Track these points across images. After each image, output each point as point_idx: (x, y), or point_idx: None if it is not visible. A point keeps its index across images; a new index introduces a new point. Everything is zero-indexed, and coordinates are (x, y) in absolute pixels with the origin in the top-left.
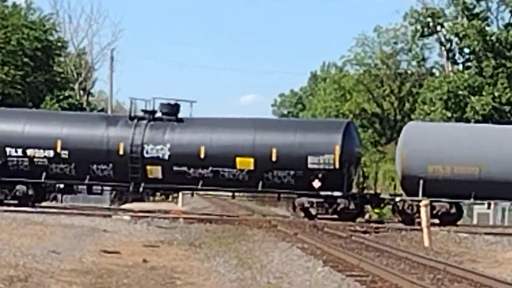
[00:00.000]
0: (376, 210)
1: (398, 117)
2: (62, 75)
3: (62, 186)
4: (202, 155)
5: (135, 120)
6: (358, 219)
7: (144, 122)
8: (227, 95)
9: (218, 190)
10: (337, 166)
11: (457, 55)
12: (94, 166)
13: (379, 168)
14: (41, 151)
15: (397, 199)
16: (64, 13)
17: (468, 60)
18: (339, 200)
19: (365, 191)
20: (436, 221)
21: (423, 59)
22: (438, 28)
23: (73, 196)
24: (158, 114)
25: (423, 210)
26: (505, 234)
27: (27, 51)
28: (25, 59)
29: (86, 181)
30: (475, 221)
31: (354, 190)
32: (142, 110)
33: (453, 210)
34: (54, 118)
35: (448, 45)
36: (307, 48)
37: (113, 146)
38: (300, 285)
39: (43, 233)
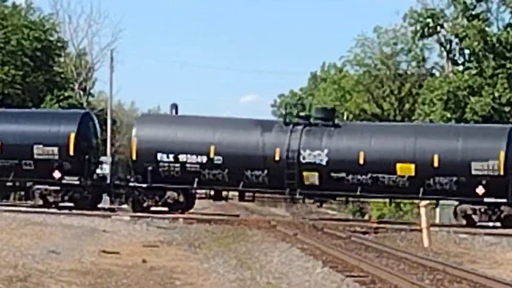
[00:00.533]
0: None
1: (398, 117)
2: (62, 75)
3: (212, 192)
4: (361, 161)
5: (290, 126)
6: None
7: (300, 127)
8: (227, 95)
9: (377, 197)
10: (501, 172)
11: (457, 56)
12: (248, 172)
13: None
14: (194, 156)
15: None
16: (64, 13)
17: (468, 60)
18: (502, 207)
19: None
20: None
21: (423, 60)
22: (438, 28)
23: None
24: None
25: (422, 211)
26: (505, 235)
27: (27, 51)
28: (25, 59)
29: (240, 187)
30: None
31: None
32: (297, 116)
33: None
34: (207, 123)
35: (448, 46)
36: (307, 48)
37: (268, 152)
38: (299, 285)
39: (43, 233)
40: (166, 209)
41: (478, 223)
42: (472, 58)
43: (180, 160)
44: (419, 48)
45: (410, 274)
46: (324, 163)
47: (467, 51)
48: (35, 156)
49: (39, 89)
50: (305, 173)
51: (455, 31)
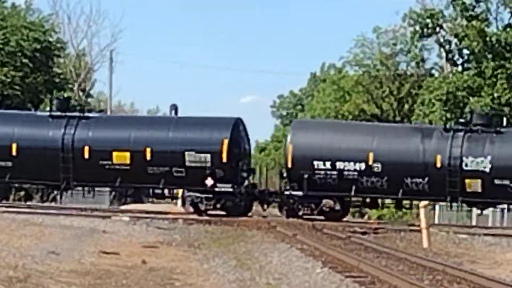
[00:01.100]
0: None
1: (398, 118)
2: (62, 76)
3: (368, 200)
4: None
5: (451, 132)
6: None
7: (461, 134)
8: (227, 96)
9: None
10: None
11: (456, 56)
12: (408, 180)
13: None
14: (351, 163)
15: None
16: (64, 14)
17: (467, 61)
18: None
19: None
20: None
21: (422, 60)
22: (437, 29)
23: (71, 197)
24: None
25: (422, 211)
26: (504, 235)
27: (26, 52)
28: (24, 60)
29: (399, 195)
30: (474, 222)
31: None
32: (457, 122)
33: None
34: (364, 129)
35: (447, 46)
36: (307, 48)
37: (429, 159)
38: (299, 286)
39: (42, 234)
40: (322, 217)
41: None
42: (471, 59)
43: (337, 167)
44: (418, 48)
45: (410, 274)
46: (487, 170)
47: (466, 52)
48: (187, 163)
49: (39, 90)
50: (467, 181)
51: (454, 31)
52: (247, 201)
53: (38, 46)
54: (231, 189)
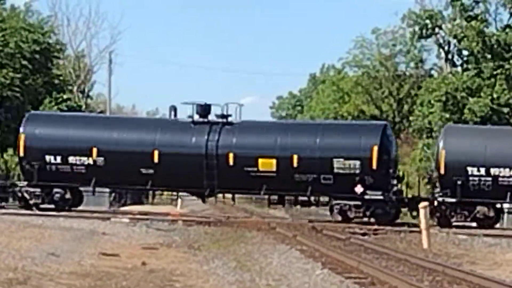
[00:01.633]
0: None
1: (397, 119)
2: (61, 78)
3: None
4: None
5: None
6: None
7: None
8: (227, 97)
9: None
10: None
11: (456, 57)
12: None
13: None
14: (507, 170)
15: None
16: (63, 15)
17: (466, 61)
18: None
19: None
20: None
21: (422, 61)
22: (437, 30)
23: None
24: None
25: (422, 212)
26: (504, 236)
27: (25, 53)
28: (24, 62)
29: None
30: (473, 223)
31: None
32: None
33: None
34: None
35: (446, 47)
36: (306, 50)
37: None
38: (299, 287)
39: (42, 236)
40: (474, 224)
41: None
42: (470, 59)
43: (492, 173)
44: (417, 49)
45: (410, 275)
46: None
47: (465, 52)
48: (335, 170)
49: (38, 91)
50: None
51: (453, 32)
52: (396, 208)
53: (38, 48)
54: (381, 197)
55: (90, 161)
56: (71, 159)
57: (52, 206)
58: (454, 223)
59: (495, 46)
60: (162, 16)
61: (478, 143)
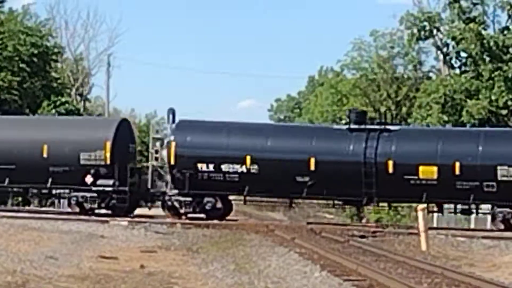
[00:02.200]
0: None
1: (395, 121)
2: (59, 81)
3: None
4: None
5: None
6: None
7: None
8: (225, 100)
9: None
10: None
11: (454, 59)
12: None
13: None
14: None
15: None
16: (61, 18)
17: (464, 64)
18: None
19: None
20: None
21: (420, 63)
22: (435, 32)
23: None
24: None
25: (420, 214)
26: (503, 238)
27: (23, 56)
28: (22, 65)
29: None
30: (472, 225)
31: None
32: None
33: None
34: None
35: (444, 49)
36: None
37: None
38: None
39: (41, 239)
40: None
41: None
42: (469, 61)
43: None
44: (415, 51)
45: (408, 277)
46: None
47: (463, 54)
48: (499, 178)
49: (36, 94)
50: None
51: (451, 34)
52: None
53: (36, 51)
54: None
55: (244, 169)
56: (224, 167)
57: (202, 215)
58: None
59: (493, 48)
60: (160, 19)
61: None
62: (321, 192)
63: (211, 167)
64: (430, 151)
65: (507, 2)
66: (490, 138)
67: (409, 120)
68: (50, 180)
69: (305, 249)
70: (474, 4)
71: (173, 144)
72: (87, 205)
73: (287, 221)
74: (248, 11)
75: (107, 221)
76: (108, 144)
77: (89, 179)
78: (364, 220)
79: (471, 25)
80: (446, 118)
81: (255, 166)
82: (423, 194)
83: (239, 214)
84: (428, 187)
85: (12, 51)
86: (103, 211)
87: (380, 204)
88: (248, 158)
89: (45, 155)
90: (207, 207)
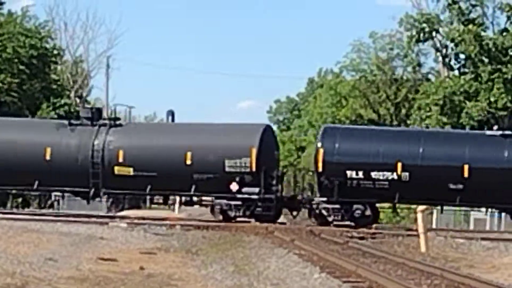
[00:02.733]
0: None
1: (394, 122)
2: (58, 83)
3: None
4: None
5: None
6: None
7: None
8: (224, 101)
9: None
10: None
11: (453, 61)
12: None
13: None
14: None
15: None
16: (60, 20)
17: (464, 65)
18: None
19: None
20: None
21: (419, 65)
22: (434, 33)
23: (69, 203)
24: None
25: (419, 216)
26: (502, 239)
27: (23, 58)
28: (21, 67)
29: None
30: (471, 227)
31: None
32: None
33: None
34: None
35: (443, 51)
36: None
37: None
38: None
39: (40, 240)
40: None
41: None
42: (468, 63)
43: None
44: (414, 53)
45: (408, 279)
46: None
47: (462, 56)
48: None
49: (36, 96)
50: None
51: (450, 36)
52: None
53: (35, 53)
54: None
55: (394, 176)
56: (374, 174)
57: (351, 223)
58: None
59: (493, 50)
60: (159, 19)
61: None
62: (475, 200)
63: (360, 174)
64: None
65: (506, 3)
66: None
67: (408, 122)
68: (193, 187)
69: (304, 251)
70: (473, 6)
71: (321, 151)
72: (231, 213)
73: (286, 223)
74: (248, 11)
75: (106, 223)
76: (254, 151)
77: (234, 186)
78: None
79: (470, 26)
80: (445, 120)
81: (406, 173)
82: None
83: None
84: None
85: (11, 53)
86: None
87: None
88: (399, 165)
89: (188, 162)
90: (355, 215)
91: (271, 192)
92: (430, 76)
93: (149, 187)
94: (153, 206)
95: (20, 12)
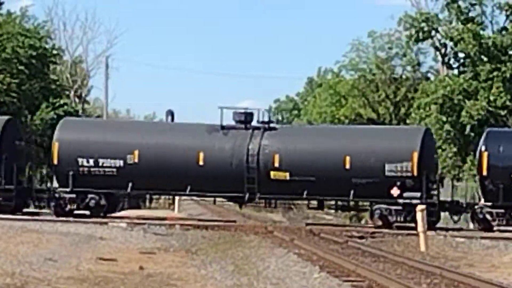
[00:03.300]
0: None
1: (394, 122)
2: (58, 83)
3: None
4: None
5: None
6: None
7: None
8: (224, 101)
9: None
10: None
11: (452, 60)
12: None
13: None
14: None
15: None
16: (59, 20)
17: (463, 64)
18: None
19: None
20: None
21: (418, 64)
22: (433, 32)
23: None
24: None
25: (419, 215)
26: (502, 238)
27: (22, 59)
28: (20, 67)
29: None
30: (471, 226)
31: None
32: None
33: None
34: None
35: (443, 50)
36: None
37: None
38: None
39: (40, 240)
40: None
41: None
42: (467, 62)
43: None
44: (414, 52)
45: (407, 278)
46: None
47: (462, 55)
48: None
49: (35, 96)
50: None
51: (450, 35)
52: None
53: (34, 53)
54: None
55: None
56: None
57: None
58: None
59: (492, 48)
60: (159, 19)
61: None
62: None
63: None
64: None
65: (505, 2)
66: None
67: (407, 121)
68: (352, 192)
69: (304, 250)
70: (472, 5)
71: (485, 154)
72: (391, 218)
73: (286, 222)
74: (247, 12)
75: (106, 223)
76: (416, 155)
77: (395, 191)
78: (363, 221)
79: (469, 25)
80: (444, 119)
81: None
82: None
83: (238, 215)
84: None
85: (10, 53)
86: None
87: None
88: None
89: (347, 166)
90: None
91: (431, 197)
92: (429, 75)
93: (305, 191)
94: (152, 206)
95: (19, 12)
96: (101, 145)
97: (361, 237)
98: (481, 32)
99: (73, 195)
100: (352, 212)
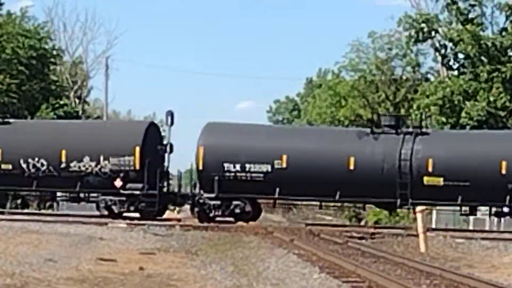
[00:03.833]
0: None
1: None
2: (58, 84)
3: None
4: None
5: None
6: None
7: None
8: (224, 102)
9: None
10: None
11: (452, 61)
12: None
13: None
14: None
15: None
16: (59, 21)
17: (463, 65)
18: None
19: None
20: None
21: (418, 65)
22: (433, 33)
23: (68, 204)
24: None
25: (419, 216)
26: (502, 239)
27: (22, 59)
28: (20, 68)
29: None
30: (471, 226)
31: None
32: None
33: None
34: None
35: (442, 51)
36: (303, 54)
37: None
38: None
39: (39, 241)
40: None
41: None
42: (467, 63)
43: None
44: (414, 53)
45: (407, 279)
46: None
47: (461, 56)
48: None
49: (35, 97)
50: None
51: (449, 36)
52: None
53: (34, 54)
54: None
55: None
56: None
57: None
58: None
59: (492, 49)
60: (158, 20)
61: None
62: None
63: None
64: None
65: (505, 3)
66: None
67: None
68: (508, 198)
69: (304, 251)
70: (472, 6)
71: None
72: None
73: (285, 223)
74: (247, 12)
75: (106, 223)
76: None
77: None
78: (363, 222)
79: (469, 26)
80: (444, 120)
81: None
82: None
83: None
84: None
85: (10, 54)
86: None
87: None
88: None
89: (503, 171)
90: None
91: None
92: (429, 76)
93: (460, 197)
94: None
95: (19, 13)
96: (247, 150)
97: (361, 238)
98: (481, 33)
99: (218, 202)
100: (352, 213)
